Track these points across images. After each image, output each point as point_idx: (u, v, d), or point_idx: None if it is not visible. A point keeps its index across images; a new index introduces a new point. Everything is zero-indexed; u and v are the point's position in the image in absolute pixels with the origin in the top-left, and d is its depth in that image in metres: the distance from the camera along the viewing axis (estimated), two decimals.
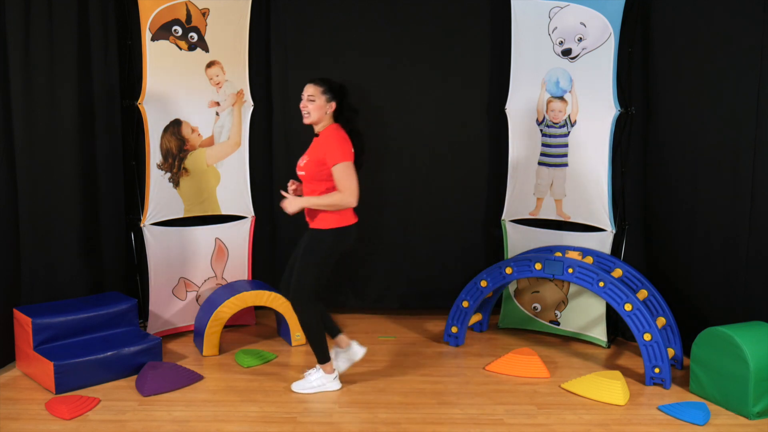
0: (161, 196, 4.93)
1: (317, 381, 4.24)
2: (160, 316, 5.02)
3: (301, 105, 4.09)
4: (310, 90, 4.06)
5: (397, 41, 5.38)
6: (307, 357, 4.79)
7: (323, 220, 4.10)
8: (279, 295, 4.85)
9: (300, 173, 4.16)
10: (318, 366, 4.28)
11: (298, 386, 4.24)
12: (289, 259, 4.35)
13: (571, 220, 5.09)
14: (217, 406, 4.08)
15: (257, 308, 5.42)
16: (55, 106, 4.67)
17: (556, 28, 4.97)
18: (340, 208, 4.04)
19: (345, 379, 4.44)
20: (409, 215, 5.54)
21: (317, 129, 4.13)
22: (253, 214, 5.29)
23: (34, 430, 3.79)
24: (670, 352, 4.55)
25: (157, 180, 4.90)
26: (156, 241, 4.93)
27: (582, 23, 4.85)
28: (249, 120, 5.22)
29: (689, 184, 4.63)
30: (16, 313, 4.48)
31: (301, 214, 4.26)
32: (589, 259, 4.76)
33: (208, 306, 4.84)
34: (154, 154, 4.87)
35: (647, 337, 4.31)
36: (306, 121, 4.11)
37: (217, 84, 5.07)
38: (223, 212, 5.21)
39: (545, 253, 4.96)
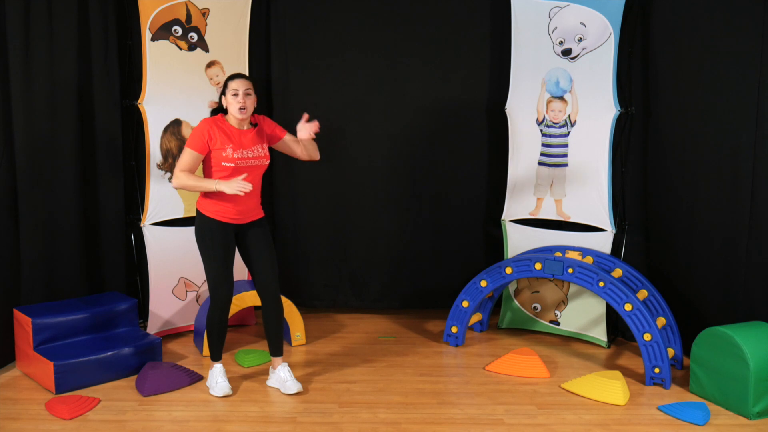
0: (161, 196, 4.93)
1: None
2: (160, 316, 5.02)
3: (240, 101, 4.03)
4: (246, 85, 4.07)
5: (397, 41, 5.38)
6: (307, 356, 4.79)
7: (261, 208, 4.26)
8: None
9: (264, 162, 4.14)
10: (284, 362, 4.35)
11: (295, 386, 4.23)
12: (228, 257, 4.16)
13: (571, 220, 5.09)
14: (217, 406, 4.08)
15: (257, 308, 5.41)
16: (55, 106, 4.67)
17: (556, 28, 4.97)
18: None
19: (345, 378, 4.44)
20: (408, 215, 5.54)
21: (245, 120, 4.11)
22: None
23: (34, 430, 3.79)
24: (670, 352, 4.55)
25: (157, 180, 4.90)
26: (156, 241, 4.93)
27: (582, 23, 4.85)
28: None
29: (689, 184, 4.63)
30: (16, 313, 4.48)
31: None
32: (589, 259, 4.76)
33: (208, 306, 4.83)
34: (154, 154, 4.87)
35: (647, 337, 4.31)
36: (243, 116, 4.06)
37: (217, 84, 5.07)
38: None
39: (545, 253, 4.96)
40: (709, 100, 4.46)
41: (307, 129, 4.18)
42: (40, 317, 4.37)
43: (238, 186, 3.91)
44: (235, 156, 4.03)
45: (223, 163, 4.02)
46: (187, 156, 4.02)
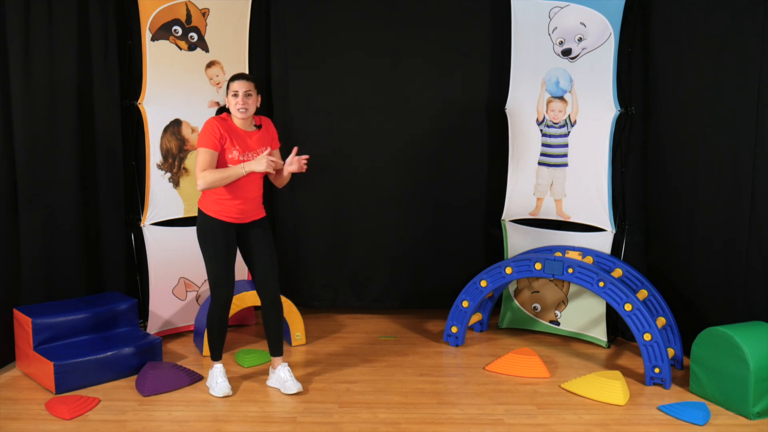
0: (161, 196, 4.93)
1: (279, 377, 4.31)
2: (160, 316, 5.02)
3: (240, 102, 4.02)
4: (246, 86, 4.05)
5: (397, 41, 5.38)
6: (307, 356, 4.79)
7: (262, 207, 4.26)
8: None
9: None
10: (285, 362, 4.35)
11: (295, 386, 4.23)
12: (230, 256, 4.15)
13: (571, 220, 5.09)
14: (217, 406, 4.08)
15: (257, 308, 5.41)
16: (55, 106, 4.67)
17: (556, 28, 4.97)
18: None
19: (345, 378, 4.44)
20: (409, 215, 5.54)
21: (248, 121, 4.11)
22: None
23: (34, 430, 3.80)
24: (670, 352, 4.55)
25: (157, 180, 4.90)
26: (156, 241, 4.93)
27: (582, 23, 4.85)
28: None
29: (689, 184, 4.63)
30: (16, 313, 4.48)
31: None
32: (589, 259, 4.76)
33: (208, 306, 4.83)
34: (154, 154, 4.87)
35: (647, 337, 4.32)
36: (243, 116, 4.05)
37: (217, 84, 5.07)
38: None
39: (545, 253, 4.96)
40: (709, 100, 4.46)
41: (296, 163, 4.08)
42: (40, 317, 4.37)
43: (267, 162, 3.94)
44: (241, 158, 4.03)
45: (229, 165, 4.03)
46: (204, 155, 3.99)
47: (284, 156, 4.24)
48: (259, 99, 4.13)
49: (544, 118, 5.10)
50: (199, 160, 3.99)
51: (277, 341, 4.32)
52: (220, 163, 4.04)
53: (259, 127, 4.18)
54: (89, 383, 4.28)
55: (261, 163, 3.95)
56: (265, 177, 4.25)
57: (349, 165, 5.50)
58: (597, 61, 4.83)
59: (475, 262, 5.45)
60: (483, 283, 4.87)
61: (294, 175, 5.44)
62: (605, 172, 4.87)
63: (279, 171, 4.20)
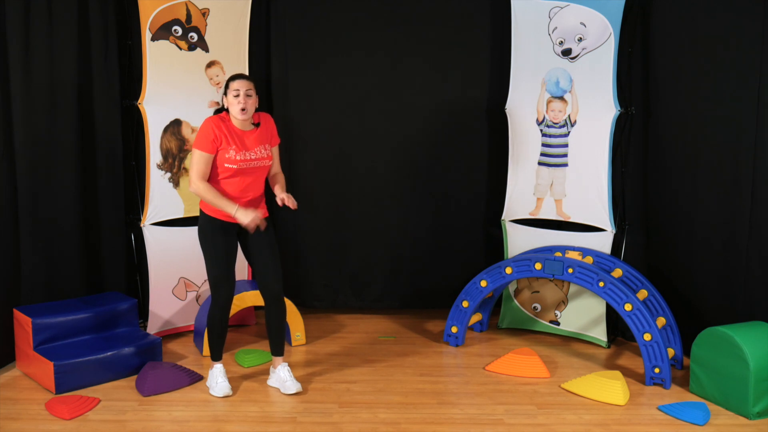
0: (161, 196, 4.93)
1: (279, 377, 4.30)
2: (160, 316, 5.02)
3: (241, 101, 4.02)
4: (247, 86, 4.05)
5: (397, 41, 5.38)
6: (307, 356, 4.79)
7: (265, 207, 4.26)
8: None
9: (266, 163, 4.14)
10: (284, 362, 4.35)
11: (294, 386, 4.23)
12: (230, 256, 4.16)
13: (571, 220, 5.09)
14: (217, 406, 4.08)
15: (257, 308, 5.42)
16: (55, 106, 4.67)
17: (556, 28, 4.97)
18: None
19: (345, 378, 4.44)
20: (409, 215, 5.54)
21: (247, 121, 4.10)
22: None
23: (34, 430, 3.80)
24: (670, 352, 4.55)
25: (157, 180, 4.90)
26: (156, 241, 4.93)
27: (582, 23, 4.85)
28: None
29: (689, 184, 4.63)
30: (16, 313, 4.48)
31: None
32: (589, 259, 4.76)
33: (208, 306, 4.83)
34: (154, 154, 4.87)
35: (647, 337, 4.32)
36: (243, 117, 4.04)
37: (217, 84, 5.07)
38: None
39: (545, 253, 4.96)
40: (709, 99, 4.46)
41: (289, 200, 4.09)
42: (40, 317, 4.37)
43: (255, 220, 3.96)
44: (238, 158, 4.03)
45: (226, 165, 4.03)
46: (199, 158, 4.00)
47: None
48: (257, 100, 4.13)
49: (544, 118, 5.10)
50: (194, 161, 4.01)
51: (278, 341, 4.32)
52: (219, 162, 4.03)
53: (257, 125, 4.18)
54: (89, 383, 4.28)
55: (248, 216, 3.96)
56: (266, 178, 4.25)
57: (349, 165, 5.50)
58: (597, 61, 4.83)
59: (475, 262, 5.45)
60: (483, 283, 4.87)
61: (294, 177, 5.49)
62: (605, 172, 4.87)
63: (274, 175, 4.25)
